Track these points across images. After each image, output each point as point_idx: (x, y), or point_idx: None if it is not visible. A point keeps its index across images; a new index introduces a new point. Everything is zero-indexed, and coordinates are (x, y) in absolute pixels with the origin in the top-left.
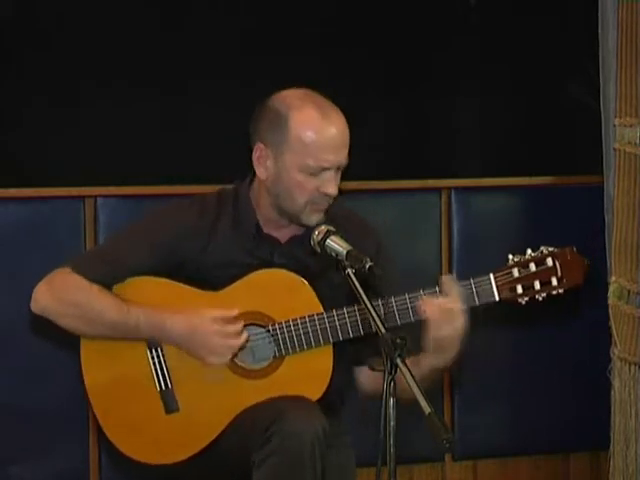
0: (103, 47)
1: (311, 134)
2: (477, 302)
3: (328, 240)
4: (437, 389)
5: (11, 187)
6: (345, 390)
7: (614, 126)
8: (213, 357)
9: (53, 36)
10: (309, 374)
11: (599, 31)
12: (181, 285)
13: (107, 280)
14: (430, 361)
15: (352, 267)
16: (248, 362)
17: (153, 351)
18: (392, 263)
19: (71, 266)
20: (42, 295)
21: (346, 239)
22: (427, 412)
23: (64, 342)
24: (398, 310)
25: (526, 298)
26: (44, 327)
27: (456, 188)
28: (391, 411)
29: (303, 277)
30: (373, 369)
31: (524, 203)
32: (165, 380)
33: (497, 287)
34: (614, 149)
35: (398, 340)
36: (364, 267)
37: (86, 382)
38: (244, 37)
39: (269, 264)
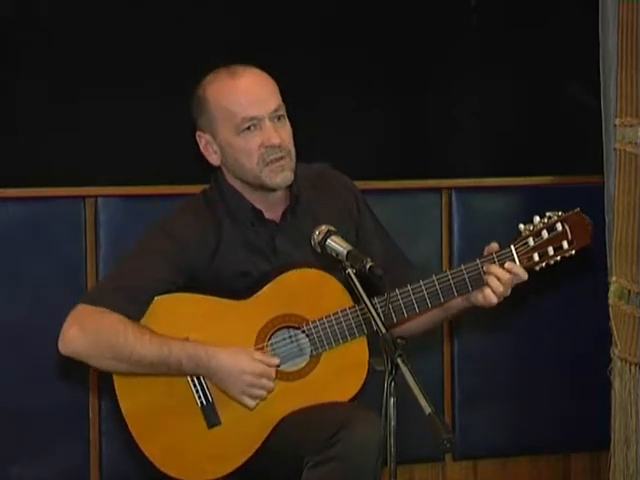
0: (103, 47)
1: (226, 95)
2: None
3: (328, 240)
4: (437, 389)
5: (11, 187)
6: None
7: (615, 126)
8: (248, 399)
9: (53, 36)
10: (347, 368)
11: (599, 31)
12: (208, 297)
13: (141, 308)
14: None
15: (352, 267)
16: (286, 365)
17: None
18: (370, 210)
19: (99, 303)
20: (75, 338)
21: (346, 238)
22: (427, 412)
23: None
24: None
25: (542, 264)
26: (44, 327)
27: (456, 188)
28: (391, 411)
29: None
30: (374, 369)
31: (524, 203)
32: (205, 395)
33: (518, 258)
34: (615, 149)
35: (398, 340)
36: (364, 267)
37: (122, 407)
38: (244, 37)
39: (274, 253)
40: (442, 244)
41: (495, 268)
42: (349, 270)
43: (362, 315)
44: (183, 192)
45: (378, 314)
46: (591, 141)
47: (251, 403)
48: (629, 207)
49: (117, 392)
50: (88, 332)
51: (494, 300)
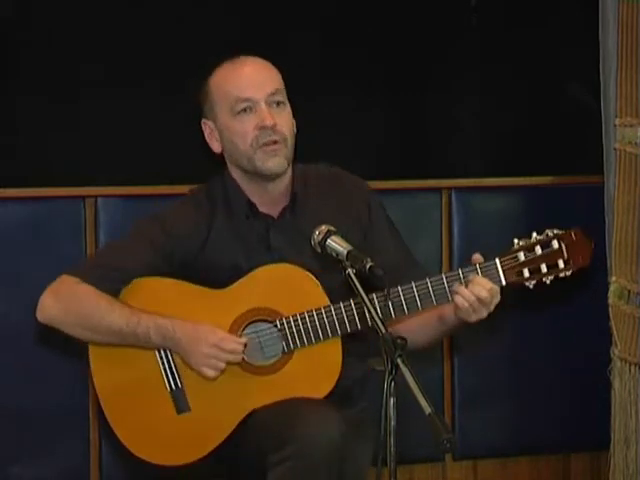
0: (103, 47)
1: (225, 79)
2: None
3: (328, 240)
4: (437, 389)
5: (11, 187)
6: (365, 379)
7: (615, 126)
8: (206, 369)
9: (53, 36)
10: (319, 368)
11: (599, 31)
12: (188, 284)
13: (114, 286)
14: (457, 319)
15: (352, 267)
16: (258, 359)
17: (162, 351)
18: (383, 214)
19: (77, 274)
20: (49, 305)
21: (346, 238)
22: (427, 412)
23: (64, 342)
24: (434, 290)
25: (533, 282)
26: (44, 327)
27: (456, 188)
28: (391, 411)
29: (300, 261)
30: (373, 369)
31: (524, 203)
32: (175, 380)
33: (503, 272)
34: (615, 149)
35: (398, 340)
36: (364, 267)
37: (96, 384)
38: (244, 37)
39: (267, 248)
40: (442, 244)
41: (461, 289)
42: (349, 270)
43: (336, 316)
44: (183, 192)
45: (378, 314)
46: (591, 141)
47: (210, 373)
48: (629, 207)
49: (92, 369)
50: (61, 300)
51: (469, 319)
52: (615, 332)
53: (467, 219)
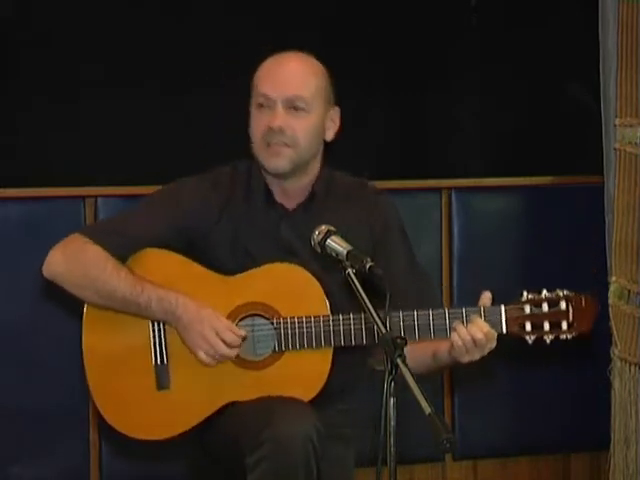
0: (103, 47)
1: (261, 71)
2: None
3: (328, 240)
4: (437, 389)
5: (11, 187)
6: (352, 383)
7: (615, 126)
8: (202, 352)
9: (53, 36)
10: (304, 374)
11: (599, 31)
12: (195, 264)
13: (122, 252)
14: (450, 358)
15: (352, 267)
16: (248, 352)
17: (155, 324)
18: (404, 239)
19: (88, 235)
20: (55, 262)
21: (346, 238)
22: (427, 412)
23: (64, 341)
24: (434, 323)
25: (533, 337)
26: (44, 326)
27: (456, 188)
28: (391, 411)
29: (305, 258)
30: (373, 369)
31: (524, 203)
32: (162, 355)
33: (506, 320)
34: (615, 149)
35: (398, 340)
36: (364, 267)
37: (84, 345)
38: (244, 37)
39: (276, 238)
40: (442, 244)
41: (459, 326)
42: (349, 270)
43: (333, 327)
44: None
45: (378, 315)
46: (591, 141)
47: (204, 357)
48: (629, 207)
49: (83, 329)
50: (68, 258)
51: (461, 358)
52: (615, 332)
53: (467, 219)
